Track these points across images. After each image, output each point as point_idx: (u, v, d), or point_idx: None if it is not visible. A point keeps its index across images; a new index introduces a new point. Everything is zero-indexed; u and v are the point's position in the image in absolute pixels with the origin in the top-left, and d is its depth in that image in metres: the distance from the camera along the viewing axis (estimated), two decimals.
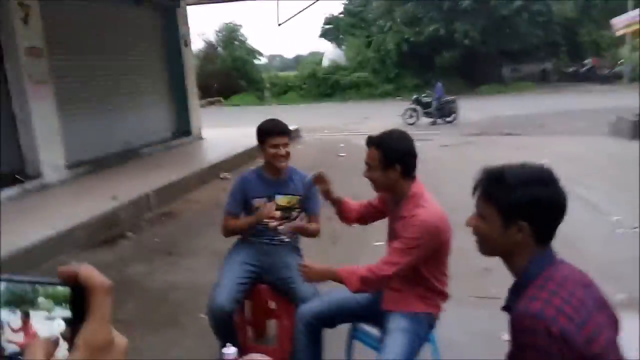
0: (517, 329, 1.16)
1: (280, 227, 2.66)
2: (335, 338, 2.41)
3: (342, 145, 10.20)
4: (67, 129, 6.69)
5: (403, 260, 1.97)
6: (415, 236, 2.00)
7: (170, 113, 9.49)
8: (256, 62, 30.65)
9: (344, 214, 2.44)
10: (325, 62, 28.84)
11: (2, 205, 5.46)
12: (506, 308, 1.30)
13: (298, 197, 2.68)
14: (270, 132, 2.61)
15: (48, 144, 6.32)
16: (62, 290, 0.45)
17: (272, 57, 65.12)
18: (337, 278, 2.01)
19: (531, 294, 1.18)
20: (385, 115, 15.29)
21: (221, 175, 7.35)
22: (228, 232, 2.73)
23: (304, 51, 66.43)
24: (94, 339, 0.43)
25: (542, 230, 1.27)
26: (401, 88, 24.18)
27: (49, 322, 0.45)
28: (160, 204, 5.87)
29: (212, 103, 26.53)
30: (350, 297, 2.25)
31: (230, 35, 29.73)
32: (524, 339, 1.15)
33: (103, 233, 4.99)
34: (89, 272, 0.44)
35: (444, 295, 2.22)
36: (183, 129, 9.65)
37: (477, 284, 3.48)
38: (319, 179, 2.39)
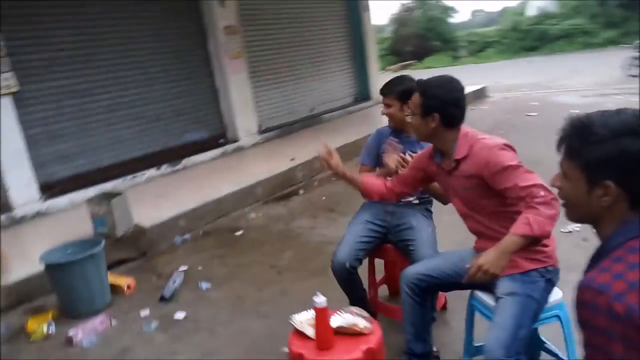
0: (578, 303, 0.98)
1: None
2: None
3: (535, 103, 9.21)
4: (258, 97, 7.51)
5: (537, 178, 1.81)
6: (510, 154, 1.90)
7: (352, 79, 9.80)
8: (453, 20, 29.36)
9: (365, 193, 2.36)
10: (532, 12, 25.96)
11: (207, 164, 6.50)
12: None
13: None
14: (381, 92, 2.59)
15: (243, 112, 7.20)
16: None
17: (474, 13, 61.21)
18: (515, 245, 1.73)
19: (604, 265, 0.99)
20: (602, 67, 13.18)
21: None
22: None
23: (511, 2, 60.67)
24: None
25: (634, 191, 1.04)
26: (628, 34, 20.34)
27: None
28: None
29: (405, 67, 26.46)
30: (456, 262, 2.11)
31: None
32: (583, 316, 0.97)
33: (279, 190, 5.55)
34: None
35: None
36: (363, 94, 9.90)
37: None
38: (325, 155, 2.32)
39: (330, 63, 9.19)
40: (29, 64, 5.08)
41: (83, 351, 2.96)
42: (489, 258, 1.76)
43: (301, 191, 5.54)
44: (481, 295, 2.10)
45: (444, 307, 2.87)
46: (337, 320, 1.94)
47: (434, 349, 2.44)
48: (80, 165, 5.60)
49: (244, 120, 7.21)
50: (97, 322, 3.19)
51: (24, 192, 5.00)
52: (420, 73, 21.47)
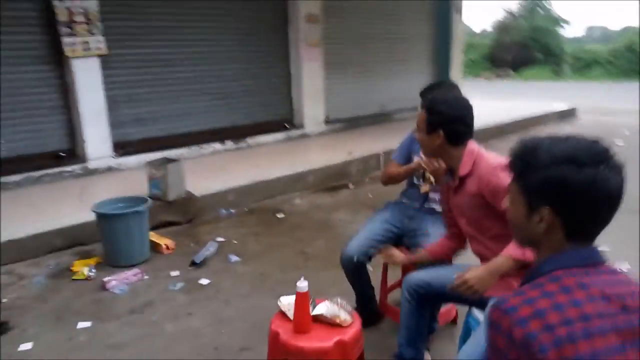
0: (488, 320, 0.97)
1: (432, 194, 2.58)
2: None
3: (626, 132, 8.50)
4: (329, 88, 7.60)
5: None
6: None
7: (430, 81, 9.57)
8: (563, 33, 27.57)
9: (437, 259, 2.28)
10: None
11: (269, 145, 6.71)
12: None
13: None
14: (421, 94, 2.56)
15: (313, 101, 7.33)
16: None
17: (590, 29, 56.97)
18: (505, 267, 1.74)
19: (523, 289, 0.98)
20: None
21: None
22: (386, 177, 2.80)
23: (634, 22, 55.71)
24: None
25: (571, 222, 1.01)
26: None
27: None
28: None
29: (500, 76, 25.39)
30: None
31: (534, 3, 27.37)
32: (488, 334, 0.96)
33: (330, 181, 5.62)
34: None
35: None
36: None
37: None
38: (387, 257, 2.34)
39: (409, 63, 9.06)
40: (119, 30, 5.52)
41: (113, 297, 3.24)
42: (477, 274, 1.75)
43: (351, 185, 5.57)
44: (477, 313, 2.04)
45: (454, 321, 2.81)
46: (322, 308, 1.98)
47: (428, 358, 2.41)
48: (152, 130, 6.02)
49: (312, 108, 7.34)
50: (131, 274, 3.46)
51: (99, 147, 5.47)
52: (517, 84, 20.32)
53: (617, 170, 1.01)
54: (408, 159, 2.76)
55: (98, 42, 5.29)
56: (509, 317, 0.92)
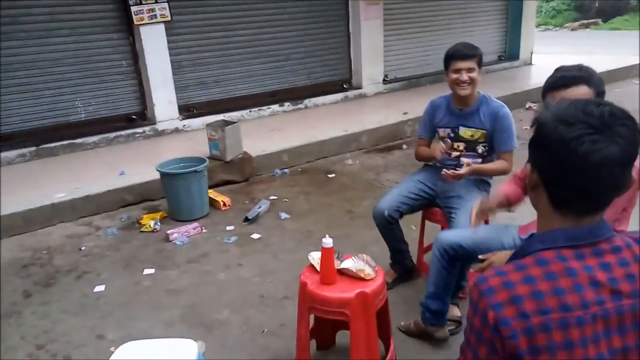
0: (469, 298, 1.01)
1: (463, 160, 2.60)
2: None
3: None
4: (389, 47, 7.47)
5: None
6: None
7: (500, 35, 9.10)
8: None
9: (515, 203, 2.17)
10: None
11: (327, 107, 6.80)
12: None
13: (484, 131, 2.53)
14: (452, 56, 2.51)
15: (371, 60, 7.26)
16: None
17: None
18: None
19: (506, 269, 0.97)
20: None
21: (527, 105, 6.86)
22: (418, 157, 2.84)
23: None
24: None
25: (548, 185, 0.98)
26: None
27: None
28: None
29: (585, 26, 23.37)
30: (491, 237, 2.12)
31: None
32: (468, 311, 1.00)
33: (384, 141, 5.65)
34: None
35: None
36: (511, 53, 9.17)
37: None
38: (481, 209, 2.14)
39: (477, 16, 8.63)
40: None
41: (174, 247, 3.58)
42: (503, 259, 1.72)
43: (404, 146, 5.58)
44: None
45: None
46: (349, 263, 2.12)
47: (458, 314, 2.50)
48: (214, 93, 6.30)
49: (371, 68, 7.28)
50: (191, 228, 3.78)
51: (166, 110, 5.84)
52: (603, 34, 18.53)
53: (610, 138, 0.90)
54: (433, 132, 2.77)
55: (163, 10, 5.56)
56: (486, 300, 0.93)
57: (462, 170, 2.46)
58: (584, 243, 0.96)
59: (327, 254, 2.02)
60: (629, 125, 0.93)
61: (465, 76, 2.46)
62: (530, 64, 9.27)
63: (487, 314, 0.92)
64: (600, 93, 1.74)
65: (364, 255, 2.16)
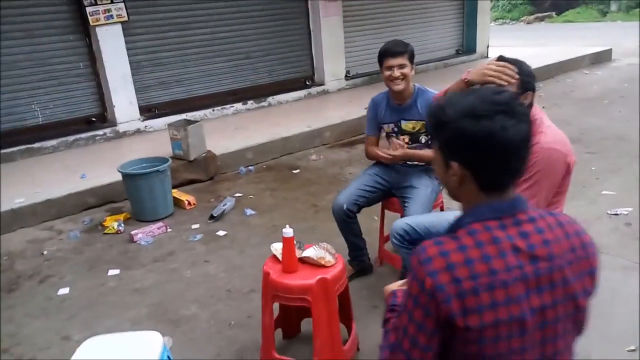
0: (409, 266, 1.09)
1: (394, 140, 2.72)
2: None
3: None
4: (350, 43, 7.59)
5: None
6: (536, 168, 1.84)
7: (457, 30, 9.36)
8: None
9: None
10: None
11: (290, 104, 6.85)
12: None
13: (423, 121, 2.66)
14: (384, 54, 2.61)
15: (333, 56, 7.36)
16: None
17: None
18: None
19: (442, 239, 1.06)
20: None
21: None
22: (368, 156, 2.94)
23: None
24: None
25: (479, 174, 1.07)
26: None
27: None
28: None
29: (540, 19, 24.17)
30: (442, 221, 2.23)
31: None
32: (408, 278, 1.08)
33: (347, 136, 5.75)
34: None
35: None
36: (468, 46, 9.45)
37: None
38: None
39: (434, 11, 8.86)
40: None
41: (139, 248, 3.58)
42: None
43: None
44: None
45: None
46: (310, 252, 2.19)
47: None
48: (176, 93, 6.27)
49: (333, 64, 7.38)
50: (156, 227, 3.78)
51: (127, 111, 5.78)
52: (557, 27, 19.14)
53: (518, 118, 1.02)
54: (379, 129, 2.88)
55: (119, 10, 5.49)
56: (423, 268, 1.01)
57: (396, 152, 2.59)
58: (506, 215, 1.06)
59: (287, 243, 2.08)
60: (520, 103, 1.08)
61: (397, 72, 2.56)
62: (487, 57, 9.56)
63: (424, 281, 1.01)
64: (526, 82, 1.86)
65: (324, 243, 2.24)
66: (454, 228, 1.11)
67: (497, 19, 24.62)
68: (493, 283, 0.99)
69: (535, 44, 11.65)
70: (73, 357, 1.71)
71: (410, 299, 1.05)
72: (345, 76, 7.60)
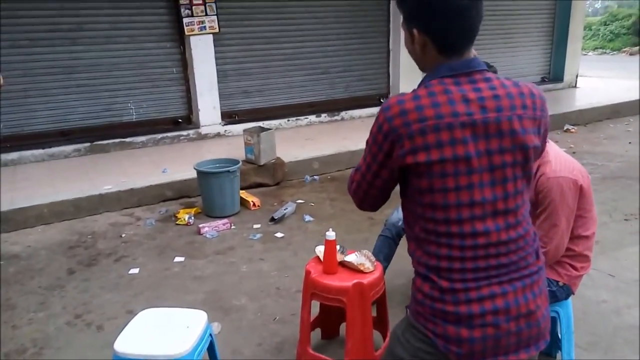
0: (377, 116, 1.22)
1: None
2: None
3: None
4: None
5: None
6: (549, 198, 1.88)
7: (544, 57, 9.06)
8: None
9: None
10: None
11: (363, 119, 7.00)
12: None
13: None
14: None
15: (410, 76, 7.27)
16: None
17: None
18: None
19: (402, 93, 1.19)
20: None
21: (564, 127, 6.83)
22: None
23: None
24: None
25: (436, 37, 1.17)
26: None
27: None
28: None
29: None
30: None
31: None
32: (374, 123, 1.20)
33: None
34: None
35: (584, 261, 1.98)
36: (555, 74, 9.10)
37: None
38: None
39: (521, 36, 8.66)
40: (230, 10, 6.15)
41: (204, 240, 3.87)
42: None
43: None
44: None
45: None
46: (351, 257, 2.31)
47: None
48: (256, 102, 6.66)
49: (408, 84, 7.42)
50: (221, 223, 4.07)
51: (210, 115, 6.23)
52: None
53: None
54: None
55: (212, 22, 5.97)
56: (383, 114, 1.17)
57: None
58: (461, 72, 1.17)
59: (329, 245, 2.22)
60: None
61: None
62: (575, 86, 9.15)
63: (383, 124, 1.17)
64: None
65: (366, 251, 2.35)
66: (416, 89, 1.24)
67: (597, 48, 23.31)
68: (438, 125, 1.12)
69: (632, 77, 10.94)
70: (131, 322, 1.96)
71: (371, 138, 1.23)
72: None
